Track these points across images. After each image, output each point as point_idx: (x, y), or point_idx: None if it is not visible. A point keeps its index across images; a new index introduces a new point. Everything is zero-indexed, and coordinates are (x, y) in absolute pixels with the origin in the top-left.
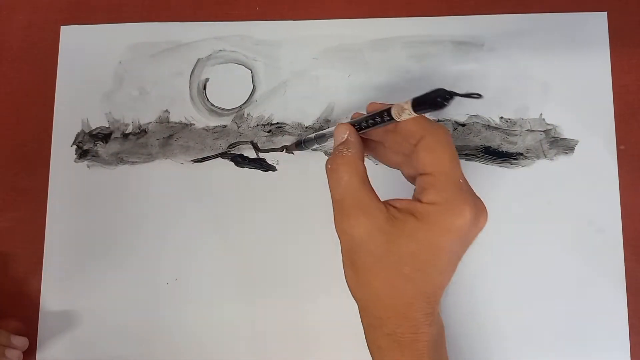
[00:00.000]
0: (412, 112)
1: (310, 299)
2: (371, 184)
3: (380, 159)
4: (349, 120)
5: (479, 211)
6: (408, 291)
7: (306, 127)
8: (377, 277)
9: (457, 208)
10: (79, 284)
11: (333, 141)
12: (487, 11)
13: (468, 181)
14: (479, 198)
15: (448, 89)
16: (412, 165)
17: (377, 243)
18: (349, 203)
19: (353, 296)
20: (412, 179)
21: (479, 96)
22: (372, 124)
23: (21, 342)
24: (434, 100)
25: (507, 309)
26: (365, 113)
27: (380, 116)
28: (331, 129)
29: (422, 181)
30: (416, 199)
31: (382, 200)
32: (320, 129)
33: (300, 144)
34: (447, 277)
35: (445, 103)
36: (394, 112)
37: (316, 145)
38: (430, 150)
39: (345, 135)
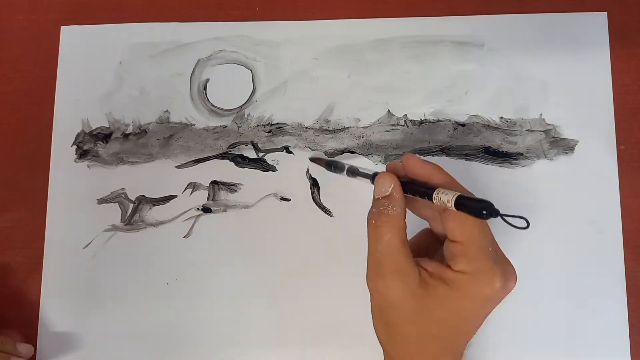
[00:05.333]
0: (452, 206)
1: (312, 298)
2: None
3: (410, 209)
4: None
5: (507, 275)
6: (435, 348)
7: (306, 127)
8: (406, 334)
9: (487, 278)
10: (79, 284)
11: (375, 190)
12: (487, 11)
13: (499, 247)
14: (509, 262)
15: (495, 205)
16: (441, 227)
17: (409, 305)
18: (387, 264)
19: (381, 345)
20: (439, 234)
21: (525, 226)
22: (407, 191)
23: (26, 349)
24: (477, 209)
25: (507, 309)
26: (399, 161)
27: (420, 193)
28: (367, 171)
29: (452, 248)
30: (447, 264)
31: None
32: (332, 155)
33: (330, 166)
34: (472, 334)
35: (485, 216)
36: (434, 198)
37: (343, 175)
38: (460, 220)
39: (390, 189)
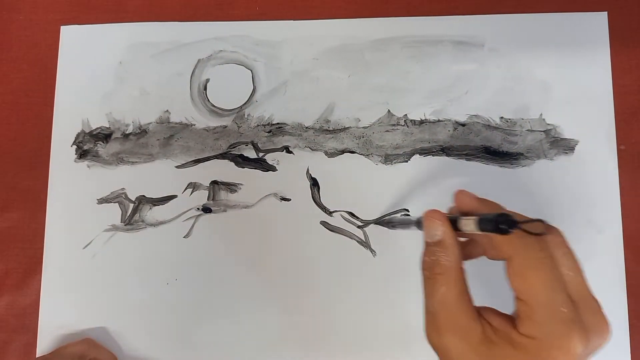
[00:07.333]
0: (478, 230)
1: (312, 299)
2: None
3: (469, 254)
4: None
5: (592, 333)
6: None
7: (306, 127)
8: None
9: (561, 345)
10: (79, 284)
11: (424, 233)
12: (487, 11)
13: (587, 292)
14: (596, 312)
15: (511, 216)
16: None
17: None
18: (443, 319)
19: None
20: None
21: (541, 232)
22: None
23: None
24: (495, 227)
25: (508, 309)
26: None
27: (454, 223)
28: (411, 218)
29: (518, 306)
30: (513, 325)
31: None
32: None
33: (381, 222)
34: None
35: (509, 230)
36: (460, 225)
37: (399, 229)
38: (521, 275)
39: (440, 233)
